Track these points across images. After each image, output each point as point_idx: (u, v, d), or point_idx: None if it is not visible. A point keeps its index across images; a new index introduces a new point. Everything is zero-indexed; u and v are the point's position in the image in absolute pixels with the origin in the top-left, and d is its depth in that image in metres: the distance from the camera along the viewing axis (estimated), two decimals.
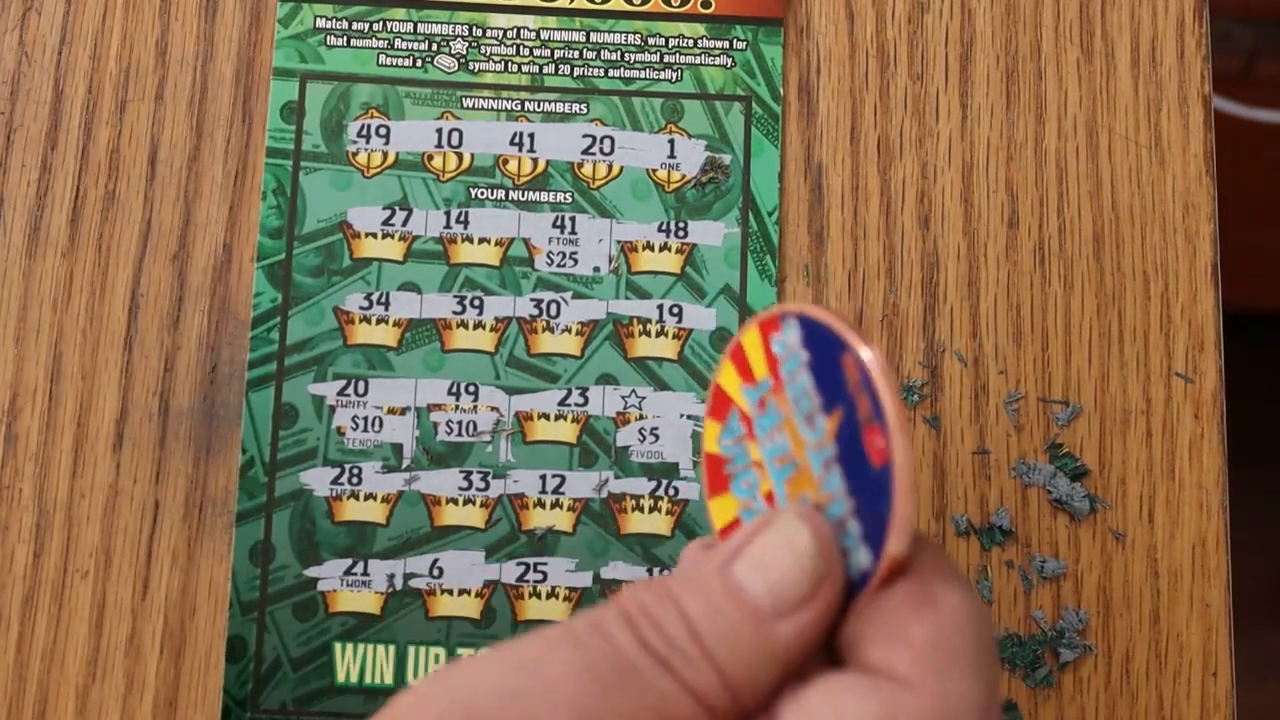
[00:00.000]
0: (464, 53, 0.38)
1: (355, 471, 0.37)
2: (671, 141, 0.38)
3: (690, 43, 0.38)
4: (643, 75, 0.38)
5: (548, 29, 0.38)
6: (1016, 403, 0.38)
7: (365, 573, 0.36)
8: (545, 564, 0.36)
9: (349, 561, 0.36)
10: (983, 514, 0.38)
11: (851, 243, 0.39)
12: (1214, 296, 0.38)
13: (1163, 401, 0.38)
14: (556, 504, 0.37)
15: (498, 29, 0.38)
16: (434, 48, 0.38)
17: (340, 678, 0.36)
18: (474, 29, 0.38)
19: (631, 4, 0.38)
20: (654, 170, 0.38)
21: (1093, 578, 0.37)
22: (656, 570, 0.37)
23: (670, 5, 0.38)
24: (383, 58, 0.38)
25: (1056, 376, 0.38)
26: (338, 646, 0.36)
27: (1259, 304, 1.02)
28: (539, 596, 0.36)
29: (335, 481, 0.37)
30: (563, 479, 0.37)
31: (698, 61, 0.38)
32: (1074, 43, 0.39)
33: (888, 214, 0.39)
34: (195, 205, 0.38)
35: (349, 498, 0.37)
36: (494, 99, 0.38)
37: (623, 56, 0.38)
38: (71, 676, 0.36)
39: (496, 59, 0.38)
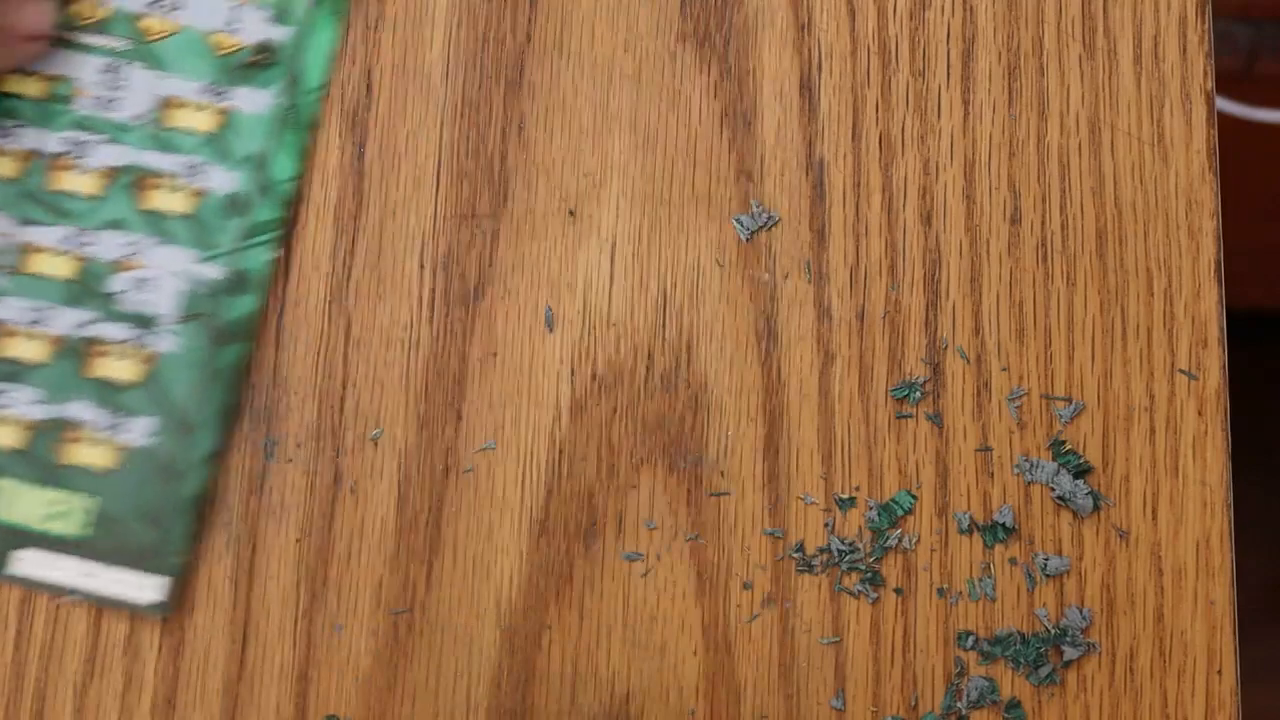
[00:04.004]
0: None
1: None
2: (238, 7, 0.39)
3: None
4: None
5: None
6: (1019, 399, 0.38)
7: None
8: (10, 391, 0.37)
9: None
10: (985, 511, 0.37)
11: (853, 239, 0.38)
12: (1217, 293, 0.38)
13: (1166, 398, 0.38)
14: (37, 336, 0.37)
15: None
16: None
17: None
18: None
19: None
20: (213, 33, 0.39)
21: (1096, 575, 0.37)
22: (116, 414, 0.37)
23: None
24: None
25: (1059, 373, 0.38)
26: None
27: (1259, 303, 1.02)
28: None
29: None
30: (51, 312, 0.37)
31: None
32: (1076, 39, 0.39)
33: (889, 210, 0.39)
34: None
35: None
36: None
37: None
38: (70, 675, 0.36)
39: None
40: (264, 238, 0.38)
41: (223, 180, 0.38)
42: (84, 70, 0.38)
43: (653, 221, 0.38)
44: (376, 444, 0.38)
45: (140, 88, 0.38)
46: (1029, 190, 0.39)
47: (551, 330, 0.38)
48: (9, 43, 0.37)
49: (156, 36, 0.39)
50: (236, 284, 0.38)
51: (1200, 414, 0.38)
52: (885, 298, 0.38)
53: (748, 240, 0.38)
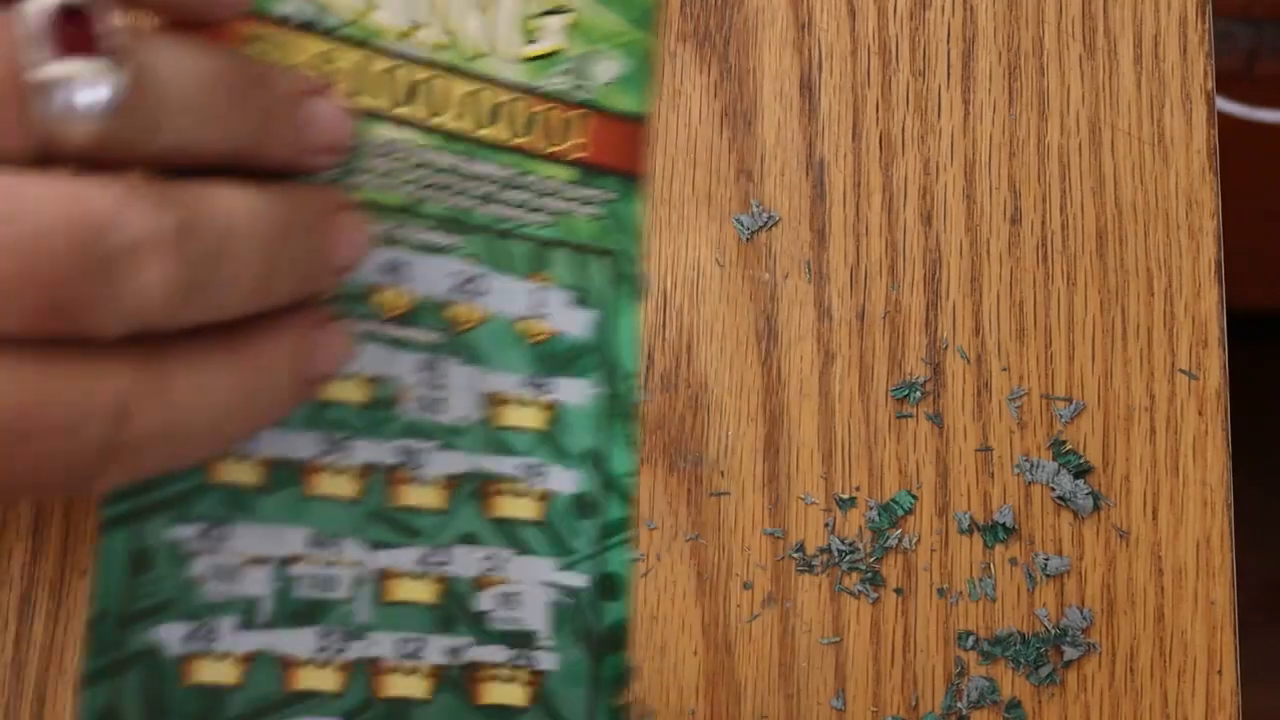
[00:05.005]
0: (344, 161, 0.35)
1: (209, 628, 0.34)
2: (539, 290, 0.36)
3: (561, 187, 0.37)
4: (514, 214, 0.36)
5: (427, 149, 0.36)
6: (1019, 399, 0.38)
7: None
8: None
9: None
10: (985, 511, 0.37)
11: (854, 239, 0.38)
12: (1218, 293, 0.38)
13: (1166, 398, 0.38)
14: (414, 670, 0.35)
15: (379, 139, 0.35)
16: None
17: None
18: (357, 134, 0.35)
19: (512, 135, 0.36)
20: (521, 319, 0.36)
21: (1096, 575, 0.37)
22: None
23: (548, 143, 0.37)
24: None
25: (1059, 373, 0.38)
26: None
27: (1259, 303, 1.02)
28: None
29: (189, 638, 0.34)
30: (421, 642, 0.35)
31: (568, 209, 0.37)
32: (1076, 39, 0.39)
33: (890, 210, 0.39)
34: None
35: (202, 657, 0.34)
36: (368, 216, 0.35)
37: (500, 190, 0.36)
38: (69, 675, 0.36)
39: (375, 173, 0.35)
40: (619, 537, 0.36)
41: (564, 480, 0.36)
42: (402, 368, 0.35)
43: (652, 221, 0.38)
44: None
45: (462, 385, 0.35)
46: (1029, 190, 0.39)
47: None
48: (306, 392, 0.32)
49: (466, 326, 0.36)
50: (604, 590, 0.36)
51: (1200, 414, 0.38)
52: (885, 297, 0.38)
53: (748, 240, 0.38)
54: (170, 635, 0.34)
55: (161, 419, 0.27)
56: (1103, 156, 0.39)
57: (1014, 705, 0.37)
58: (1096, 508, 0.37)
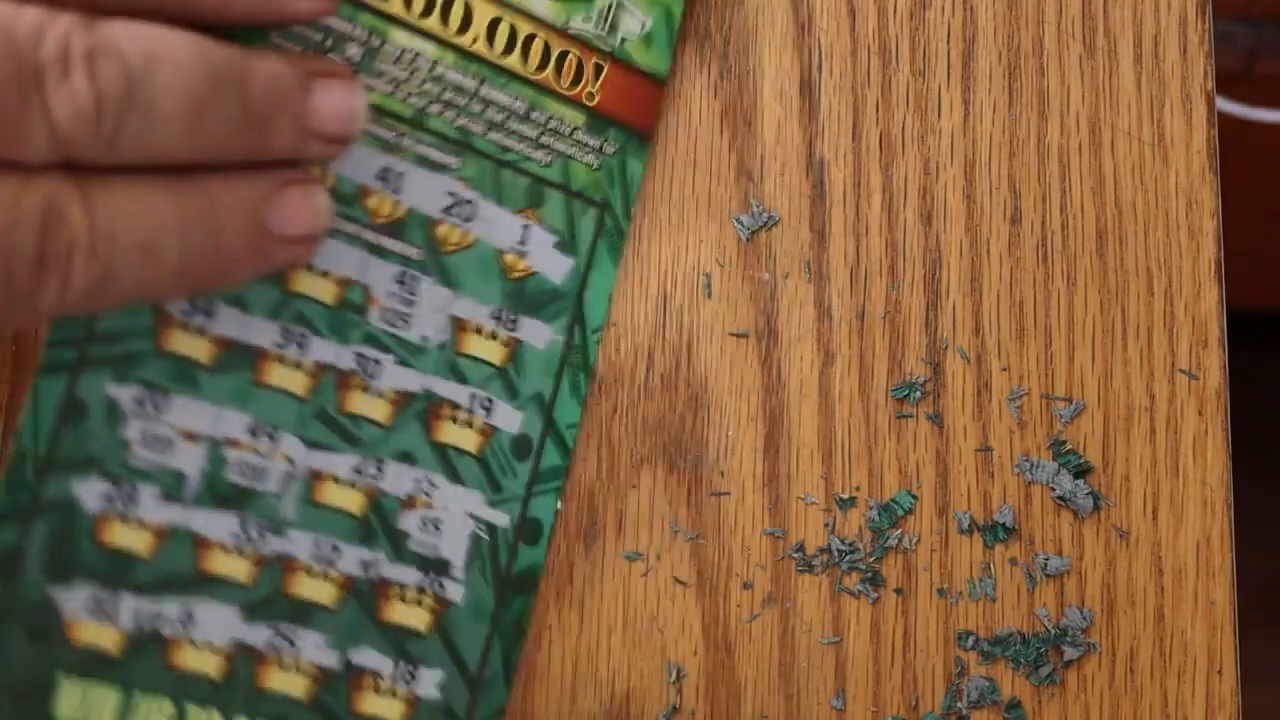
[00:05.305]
0: (357, 60, 0.34)
1: (130, 492, 0.33)
2: (526, 227, 0.36)
3: (568, 130, 0.36)
4: (518, 147, 0.36)
5: (444, 64, 0.35)
6: (1019, 399, 0.38)
7: (114, 606, 0.33)
8: (298, 634, 0.34)
9: (100, 590, 0.33)
10: (985, 511, 0.37)
11: (853, 239, 0.38)
12: (1218, 293, 0.38)
13: (1166, 398, 0.38)
14: (325, 575, 0.35)
15: (395, 46, 0.35)
16: (329, 43, 0.34)
17: (59, 715, 0.32)
18: (373, 37, 0.34)
19: (527, 68, 0.36)
20: (503, 251, 0.36)
21: (1096, 575, 0.37)
22: (404, 664, 0.35)
23: (561, 84, 0.36)
24: (275, 37, 0.34)
25: (1059, 373, 0.38)
26: (63, 681, 0.32)
27: (1259, 303, 1.02)
28: (283, 667, 0.34)
29: (108, 498, 0.33)
30: (338, 549, 0.35)
31: (569, 152, 0.37)
32: (1076, 39, 0.39)
33: (890, 210, 0.39)
34: None
35: (117, 520, 0.33)
36: (374, 120, 0.35)
37: (506, 120, 0.36)
38: None
39: (387, 79, 0.35)
40: (551, 485, 0.36)
41: (510, 419, 0.36)
42: (377, 276, 0.35)
43: (653, 221, 0.38)
44: None
45: (432, 304, 0.35)
46: (1029, 190, 0.39)
47: None
48: (266, 247, 0.32)
49: (449, 248, 0.35)
50: (525, 533, 0.36)
51: (1200, 414, 0.38)
52: (885, 297, 0.38)
53: (748, 240, 0.38)
54: (89, 492, 0.33)
55: (93, 227, 0.28)
56: (1103, 156, 0.39)
57: (1014, 705, 0.37)
58: (1096, 508, 0.37)
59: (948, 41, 0.39)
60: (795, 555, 0.37)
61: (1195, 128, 0.39)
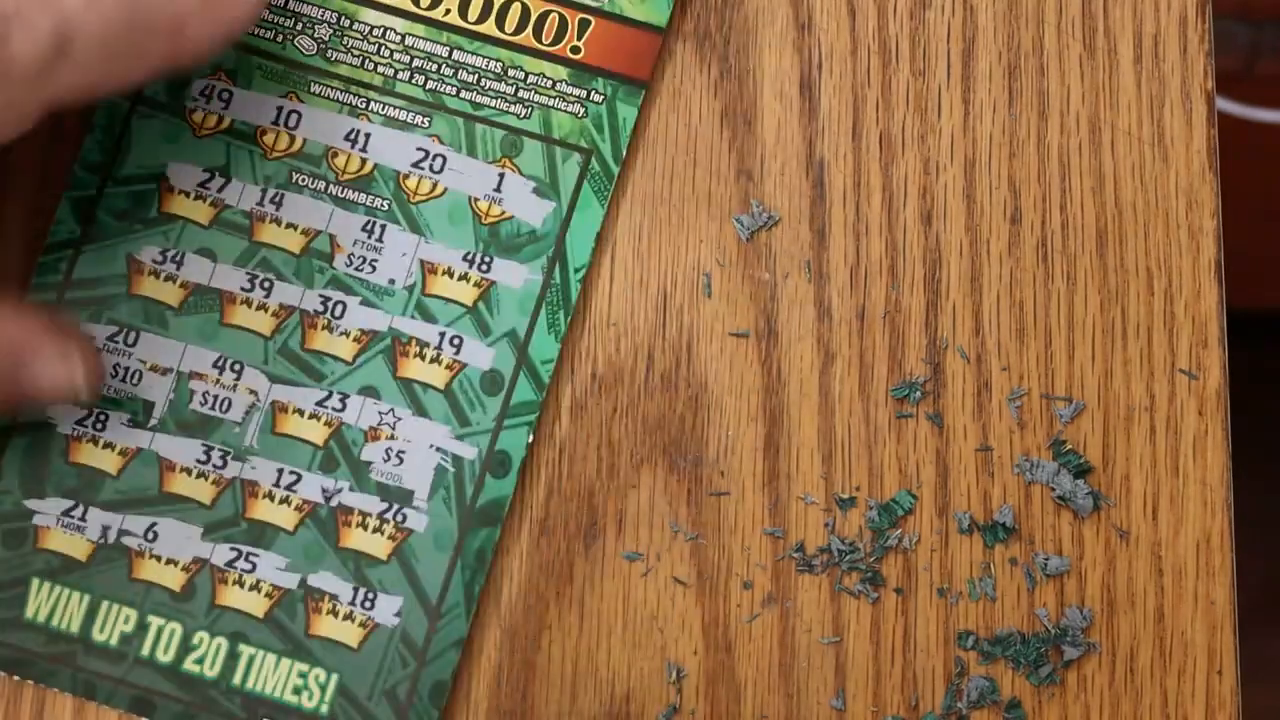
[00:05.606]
0: (325, 39, 0.37)
1: (102, 418, 0.36)
2: (501, 175, 0.38)
3: (549, 83, 0.38)
4: (492, 104, 0.38)
5: (414, 36, 0.38)
6: (1019, 399, 0.38)
7: (83, 518, 0.36)
8: (257, 555, 0.36)
9: (70, 503, 0.36)
10: (985, 511, 0.37)
11: (853, 239, 0.38)
12: (1218, 293, 0.38)
13: (1166, 398, 0.38)
14: (285, 500, 0.36)
15: (364, 24, 0.38)
16: (299, 26, 0.37)
17: (29, 613, 0.36)
18: (342, 19, 0.37)
19: (503, 31, 0.38)
20: (476, 199, 0.37)
21: (1096, 575, 0.37)
22: (364, 590, 0.36)
23: (541, 42, 0.38)
24: None
25: (1059, 373, 0.38)
26: (35, 582, 0.36)
27: (1259, 303, 1.02)
28: (241, 585, 0.36)
29: (80, 422, 0.36)
30: (299, 477, 0.36)
31: (550, 104, 0.38)
32: (1076, 39, 0.39)
33: (890, 210, 0.39)
34: None
35: (88, 441, 0.36)
36: (342, 91, 0.37)
37: (479, 80, 0.38)
38: None
39: (355, 53, 0.37)
40: (523, 419, 0.37)
41: (480, 356, 0.37)
42: (344, 227, 0.37)
43: (653, 221, 0.38)
44: None
45: (399, 250, 0.37)
46: (1029, 190, 0.39)
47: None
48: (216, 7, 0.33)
49: (418, 199, 0.37)
50: (493, 465, 0.37)
51: (1200, 414, 0.38)
52: (885, 297, 0.38)
53: (748, 240, 0.38)
54: (64, 415, 0.36)
55: None
56: (1103, 156, 0.39)
57: (1014, 705, 0.37)
58: (1096, 508, 0.37)
59: (948, 41, 0.39)
60: (795, 555, 0.37)
61: (1195, 127, 0.39)
